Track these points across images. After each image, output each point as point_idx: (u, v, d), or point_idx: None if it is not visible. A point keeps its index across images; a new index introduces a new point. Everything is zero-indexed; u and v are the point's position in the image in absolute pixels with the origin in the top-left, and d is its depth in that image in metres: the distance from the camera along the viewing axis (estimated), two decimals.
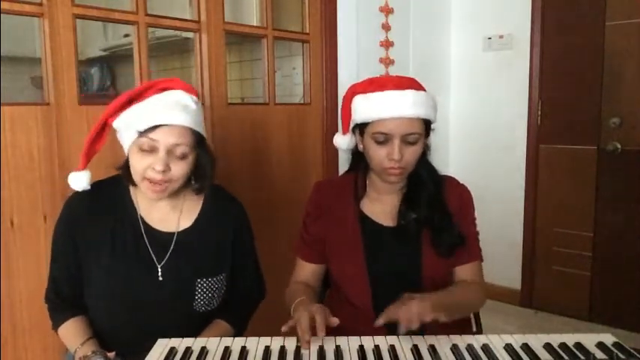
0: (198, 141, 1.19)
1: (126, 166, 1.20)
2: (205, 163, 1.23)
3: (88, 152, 1.21)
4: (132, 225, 1.25)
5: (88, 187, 1.22)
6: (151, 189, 1.15)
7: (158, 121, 1.12)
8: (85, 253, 1.24)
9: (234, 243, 1.33)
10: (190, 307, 1.25)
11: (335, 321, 1.07)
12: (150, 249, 1.24)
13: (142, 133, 1.12)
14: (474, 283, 1.33)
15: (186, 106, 1.16)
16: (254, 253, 1.43)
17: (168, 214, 1.27)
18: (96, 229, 1.23)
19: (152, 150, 1.13)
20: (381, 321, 1.08)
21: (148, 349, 1.07)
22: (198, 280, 1.25)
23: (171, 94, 1.17)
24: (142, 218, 1.26)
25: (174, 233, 1.26)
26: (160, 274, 1.24)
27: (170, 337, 1.17)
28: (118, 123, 1.18)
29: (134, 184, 1.21)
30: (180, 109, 1.14)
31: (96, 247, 1.23)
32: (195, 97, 1.21)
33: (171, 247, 1.25)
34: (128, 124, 1.15)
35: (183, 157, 1.16)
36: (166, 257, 1.24)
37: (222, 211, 1.33)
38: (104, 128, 1.21)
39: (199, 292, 1.25)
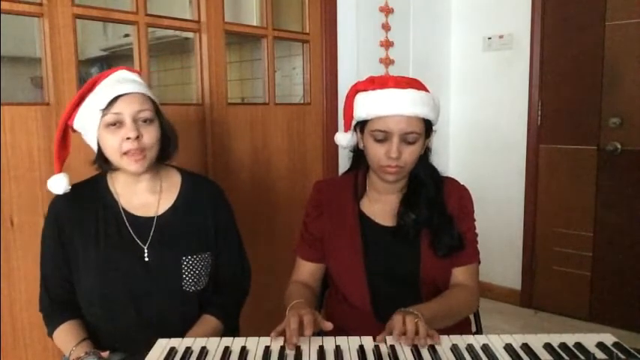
0: (156, 109, 1.26)
1: (100, 156, 1.24)
2: (169, 130, 1.29)
3: (59, 156, 1.25)
4: (114, 216, 1.29)
5: (69, 188, 1.25)
6: (133, 160, 1.20)
7: (116, 92, 1.18)
8: (72, 252, 1.27)
9: (215, 225, 1.36)
10: (179, 286, 1.28)
11: (328, 325, 1.08)
12: (133, 234, 1.28)
13: (105, 110, 1.18)
14: (468, 287, 1.33)
15: (134, 79, 1.25)
16: (236, 238, 1.44)
17: (147, 200, 1.32)
18: (80, 227, 1.27)
19: (119, 123, 1.19)
20: (380, 339, 1.07)
21: (148, 344, 1.07)
22: (184, 258, 1.29)
23: (117, 74, 1.24)
24: (122, 208, 1.30)
25: (154, 217, 1.31)
26: (145, 255, 1.27)
27: (167, 323, 1.26)
28: (77, 122, 1.24)
29: (114, 169, 1.27)
30: (130, 81, 1.23)
31: (82, 244, 1.26)
32: (138, 74, 1.29)
33: (153, 230, 1.29)
34: (88, 114, 1.20)
35: (149, 122, 1.22)
36: (149, 239, 1.28)
37: (199, 193, 1.37)
38: (66, 131, 1.26)
39: (186, 271, 1.29)
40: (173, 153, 1.32)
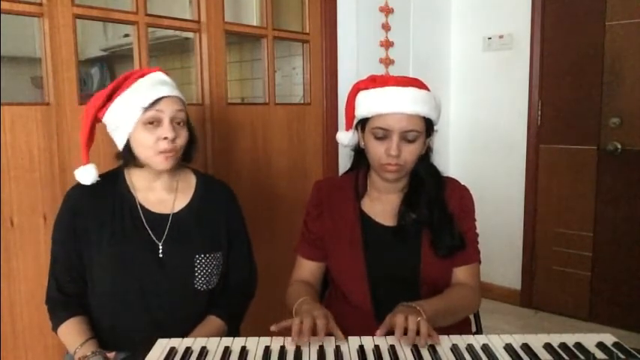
0: (187, 112, 1.30)
1: (126, 151, 1.26)
2: (192, 133, 1.33)
3: (87, 146, 1.27)
4: (130, 211, 1.30)
5: (97, 179, 1.27)
6: (164, 158, 1.23)
7: (160, 93, 1.22)
8: (86, 244, 1.27)
9: (227, 228, 1.38)
10: (191, 285, 1.30)
11: (340, 337, 1.07)
12: (149, 230, 1.29)
13: (148, 108, 1.21)
14: (469, 286, 1.33)
15: (172, 84, 1.29)
16: (246, 241, 1.45)
17: (164, 197, 1.34)
18: (96, 219, 1.28)
19: (157, 122, 1.22)
20: (379, 332, 1.07)
21: (148, 343, 1.07)
22: (197, 257, 1.31)
23: (156, 75, 1.28)
24: (139, 203, 1.31)
25: (170, 214, 1.32)
26: (160, 251, 1.29)
27: (176, 321, 1.27)
28: (109, 116, 1.25)
29: (139, 166, 1.28)
30: (170, 84, 1.27)
31: (97, 236, 1.27)
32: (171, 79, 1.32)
33: (168, 227, 1.31)
34: (125, 110, 1.22)
35: (183, 124, 1.27)
36: (164, 236, 1.30)
37: (213, 194, 1.39)
38: (94, 123, 1.28)
39: (199, 269, 1.31)
40: (194, 155, 1.35)
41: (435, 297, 1.25)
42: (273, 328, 1.07)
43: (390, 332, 1.07)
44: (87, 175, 1.26)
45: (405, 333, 1.04)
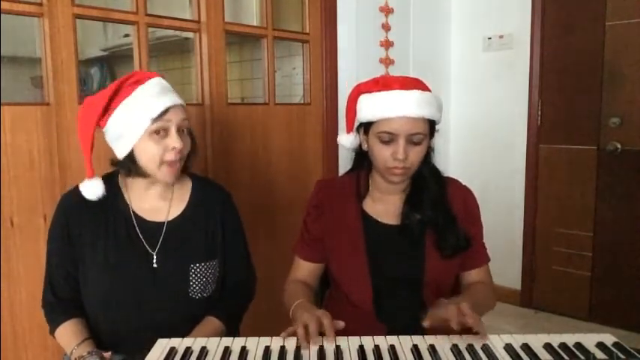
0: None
1: (129, 161, 1.20)
2: (194, 142, 1.31)
3: (90, 157, 1.20)
4: (124, 219, 1.28)
5: (102, 195, 1.22)
6: (170, 170, 1.21)
7: (168, 103, 1.19)
8: (80, 251, 1.26)
9: (223, 230, 1.36)
10: (186, 293, 1.28)
11: (341, 324, 1.09)
12: (142, 239, 1.27)
13: (156, 119, 1.17)
14: (486, 283, 1.37)
15: (173, 89, 1.25)
16: (243, 243, 1.44)
17: (158, 205, 1.31)
18: (90, 227, 1.26)
19: (165, 132, 1.19)
20: (427, 323, 1.08)
21: (149, 346, 1.07)
22: (192, 266, 1.28)
23: (156, 82, 1.22)
24: (133, 211, 1.29)
25: (164, 223, 1.30)
26: (154, 260, 1.27)
27: (172, 327, 1.22)
28: (112, 125, 1.19)
29: (141, 175, 1.23)
30: (173, 91, 1.24)
31: (91, 244, 1.25)
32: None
33: (162, 236, 1.28)
34: (131, 120, 1.17)
35: (188, 132, 1.25)
36: (158, 245, 1.28)
37: (208, 199, 1.37)
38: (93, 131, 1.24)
39: (194, 278, 1.29)
40: (193, 163, 1.33)
41: (465, 295, 1.28)
42: (283, 335, 1.08)
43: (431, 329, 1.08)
44: (92, 190, 1.21)
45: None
